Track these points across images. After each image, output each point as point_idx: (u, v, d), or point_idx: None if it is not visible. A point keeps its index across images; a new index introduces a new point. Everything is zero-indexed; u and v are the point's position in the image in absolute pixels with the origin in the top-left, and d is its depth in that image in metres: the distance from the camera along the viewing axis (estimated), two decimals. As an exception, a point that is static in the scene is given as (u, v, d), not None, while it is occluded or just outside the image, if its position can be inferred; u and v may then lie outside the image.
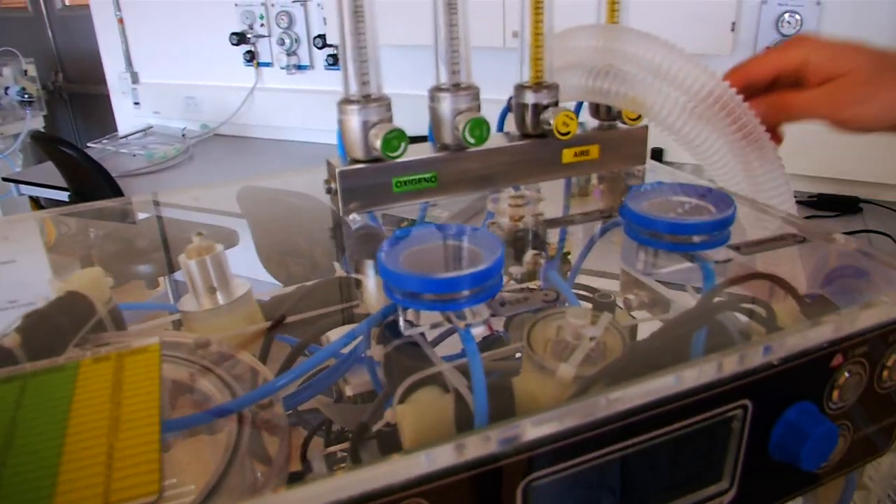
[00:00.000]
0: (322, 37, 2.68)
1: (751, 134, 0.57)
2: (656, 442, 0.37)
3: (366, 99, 0.56)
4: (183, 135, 2.89)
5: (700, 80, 0.58)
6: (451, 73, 0.58)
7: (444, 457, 0.30)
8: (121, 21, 3.02)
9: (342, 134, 0.57)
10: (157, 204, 0.75)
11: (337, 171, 0.57)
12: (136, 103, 3.15)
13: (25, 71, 3.37)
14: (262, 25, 2.84)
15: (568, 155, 0.63)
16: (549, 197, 0.64)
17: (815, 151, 2.15)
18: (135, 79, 3.14)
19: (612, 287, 0.61)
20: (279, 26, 2.76)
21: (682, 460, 0.39)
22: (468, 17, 0.57)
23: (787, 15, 2.14)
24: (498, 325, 0.60)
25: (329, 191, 0.59)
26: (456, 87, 0.58)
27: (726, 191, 0.57)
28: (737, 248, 0.49)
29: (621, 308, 0.61)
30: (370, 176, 0.58)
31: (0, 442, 0.30)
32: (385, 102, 0.56)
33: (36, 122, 3.40)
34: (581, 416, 0.33)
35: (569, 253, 0.68)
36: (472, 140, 0.57)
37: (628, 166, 0.67)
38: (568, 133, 0.60)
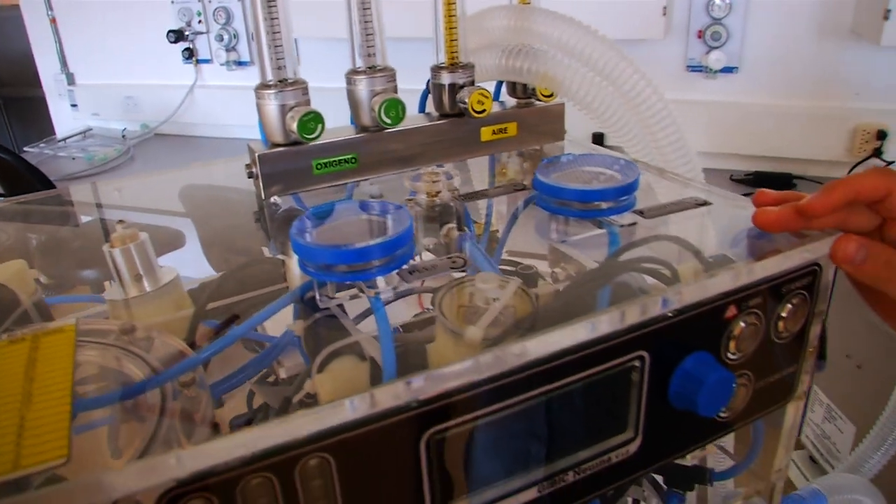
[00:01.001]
0: (261, 32, 2.66)
1: (653, 106, 0.59)
2: (558, 393, 0.38)
3: (282, 83, 0.57)
4: (123, 136, 2.85)
5: (606, 56, 0.60)
6: (367, 56, 0.59)
7: (345, 411, 0.32)
8: (53, 21, 2.96)
9: (261, 119, 0.58)
10: (99, 206, 0.75)
11: (257, 155, 0.58)
12: (74, 105, 3.09)
13: (-45, 75, 3.28)
14: (199, 22, 2.80)
15: (486, 133, 0.65)
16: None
17: (751, 130, 2.21)
18: (71, 80, 3.08)
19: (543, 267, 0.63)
20: (217, 22, 2.74)
21: (586, 411, 0.41)
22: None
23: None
24: (428, 302, 0.61)
25: (251, 175, 0.59)
26: (372, 70, 0.59)
27: (632, 159, 0.59)
28: (641, 212, 0.52)
29: (547, 281, 0.63)
30: (290, 159, 0.59)
31: (-88, 422, 0.31)
32: (301, 86, 0.57)
33: (-31, 127, 3.31)
34: (480, 370, 0.35)
35: (497, 231, 0.70)
36: (388, 120, 0.58)
37: (547, 142, 0.69)
38: (483, 111, 0.61)
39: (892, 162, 2.01)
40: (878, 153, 2.09)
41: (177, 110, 2.86)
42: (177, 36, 2.79)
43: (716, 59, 2.22)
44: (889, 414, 0.82)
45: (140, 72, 2.93)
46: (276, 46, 0.56)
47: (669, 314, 0.41)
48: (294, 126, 0.56)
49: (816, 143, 2.15)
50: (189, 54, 2.82)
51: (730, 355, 0.45)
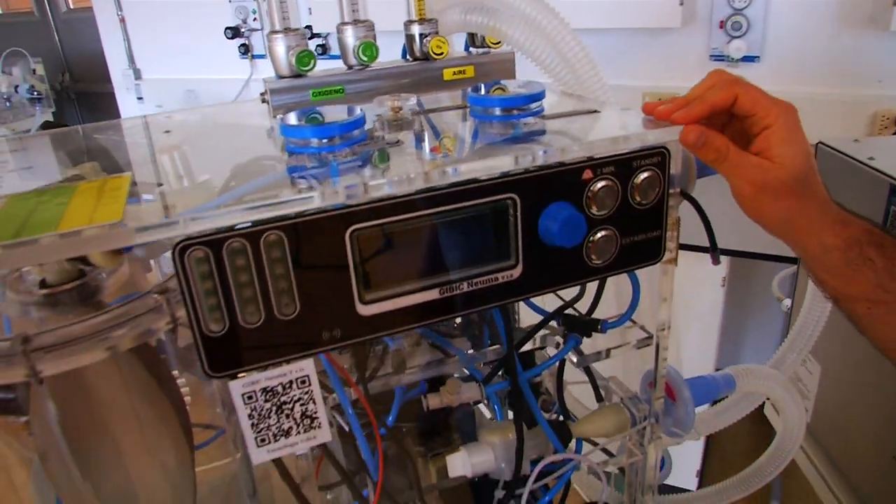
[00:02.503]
0: (309, 27, 2.87)
1: (574, 50, 0.76)
2: (452, 217, 0.56)
3: (286, 30, 0.76)
4: (184, 125, 3.09)
5: (541, 14, 0.77)
6: (352, 12, 0.78)
7: (293, 205, 0.50)
8: (122, 20, 3.22)
9: (271, 58, 0.77)
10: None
11: (268, 86, 0.77)
12: (140, 98, 3.34)
13: (34, 70, 3.59)
14: (254, 19, 3.02)
15: (448, 73, 0.83)
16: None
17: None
18: (137, 75, 3.34)
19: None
20: (270, 20, 2.95)
21: (477, 237, 0.59)
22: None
23: (740, -13, 2.32)
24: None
25: (264, 101, 0.79)
26: (356, 22, 0.78)
27: (546, 84, 0.75)
28: (543, 116, 0.69)
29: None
30: (293, 88, 0.78)
31: (26, 214, 0.51)
32: (300, 32, 0.76)
33: (45, 118, 3.62)
34: (394, 188, 0.53)
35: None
36: (364, 58, 0.77)
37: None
38: (441, 53, 0.79)
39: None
40: (897, 137, 2.18)
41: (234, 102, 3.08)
42: (233, 32, 3.02)
43: (736, 48, 2.35)
44: (800, 323, 0.97)
45: (200, 66, 3.17)
46: (282, 3, 0.75)
47: (531, 168, 0.58)
48: (294, 60, 0.75)
49: (836, 130, 2.25)
50: (245, 50, 3.06)
51: (593, 211, 0.62)
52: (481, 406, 0.94)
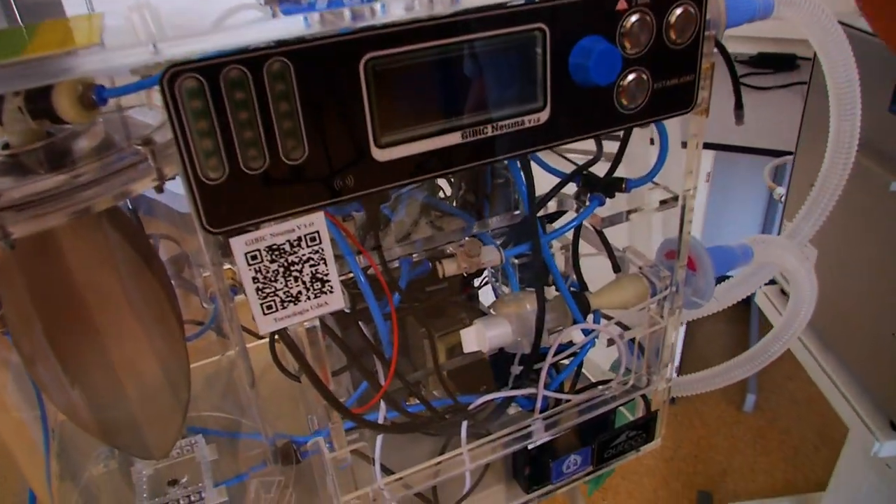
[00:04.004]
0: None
1: None
2: (474, 49, 0.50)
3: None
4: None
5: None
6: None
7: (300, 26, 0.43)
8: (67, -82, 3.01)
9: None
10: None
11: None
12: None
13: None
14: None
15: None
16: None
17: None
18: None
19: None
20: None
21: (502, 74, 0.52)
22: None
23: None
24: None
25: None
26: None
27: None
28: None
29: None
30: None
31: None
32: None
33: (-10, 29, 3.42)
34: (406, 12, 0.46)
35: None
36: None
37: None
38: None
39: None
40: (879, 30, 2.13)
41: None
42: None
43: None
44: (815, 193, 0.93)
45: None
46: None
47: (564, -4, 0.51)
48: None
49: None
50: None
51: (626, 48, 0.55)
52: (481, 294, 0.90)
